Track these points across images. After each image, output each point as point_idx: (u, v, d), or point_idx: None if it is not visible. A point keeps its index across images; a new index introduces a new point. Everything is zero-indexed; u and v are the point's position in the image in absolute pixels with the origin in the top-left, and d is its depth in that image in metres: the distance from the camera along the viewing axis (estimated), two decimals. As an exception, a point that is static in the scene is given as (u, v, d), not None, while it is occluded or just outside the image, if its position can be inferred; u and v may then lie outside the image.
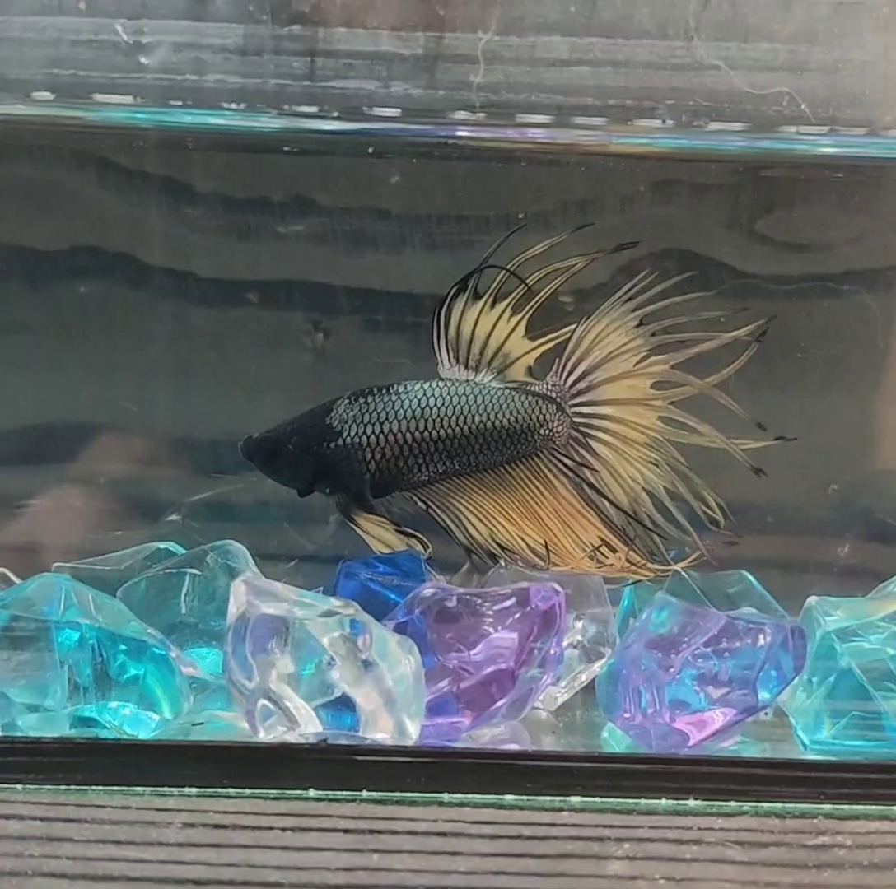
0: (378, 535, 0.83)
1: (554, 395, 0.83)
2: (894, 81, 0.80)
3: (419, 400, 0.82)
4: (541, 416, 0.82)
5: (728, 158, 0.85)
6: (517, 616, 0.74)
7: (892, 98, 0.80)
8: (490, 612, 0.74)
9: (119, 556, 0.83)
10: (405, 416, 0.82)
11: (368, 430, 0.83)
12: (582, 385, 0.83)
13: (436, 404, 0.82)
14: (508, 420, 0.82)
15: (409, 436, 0.82)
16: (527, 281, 0.81)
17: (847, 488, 0.92)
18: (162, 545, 0.84)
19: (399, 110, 0.80)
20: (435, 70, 0.78)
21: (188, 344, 0.91)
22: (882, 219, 0.89)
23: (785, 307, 0.90)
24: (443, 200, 0.89)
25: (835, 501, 0.92)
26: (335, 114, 0.80)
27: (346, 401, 0.83)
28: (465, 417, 0.82)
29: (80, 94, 0.80)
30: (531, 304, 0.81)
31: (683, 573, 0.82)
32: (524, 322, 0.82)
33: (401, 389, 0.83)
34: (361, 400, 0.83)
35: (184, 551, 0.83)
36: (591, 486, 0.82)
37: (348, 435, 0.83)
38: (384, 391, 0.83)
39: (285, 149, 0.86)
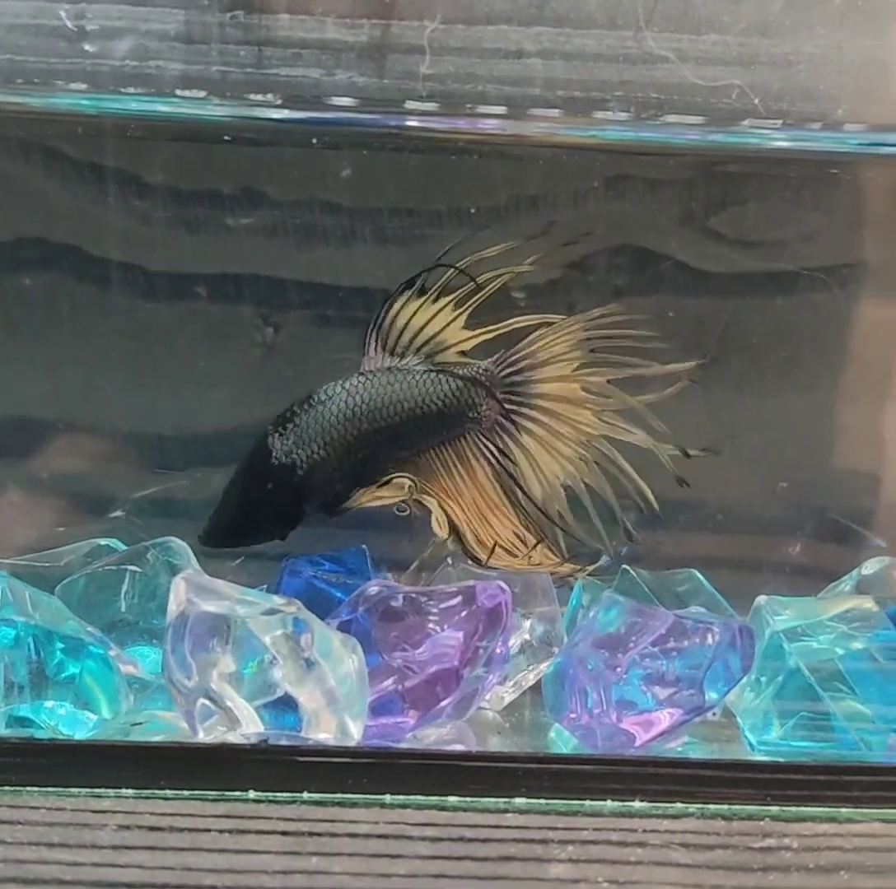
0: (368, 500, 0.82)
1: (483, 378, 0.82)
2: (848, 75, 0.80)
3: (345, 401, 0.81)
4: (468, 399, 0.82)
5: (679, 152, 0.84)
6: (463, 614, 0.73)
7: (845, 92, 0.80)
8: (435, 611, 0.73)
9: (59, 553, 0.81)
10: (339, 421, 0.81)
11: (314, 448, 0.82)
12: (517, 378, 0.82)
13: (363, 400, 0.81)
14: (436, 404, 0.82)
15: (350, 437, 0.81)
16: (475, 279, 0.81)
17: (799, 487, 0.92)
18: (103, 542, 0.83)
19: (346, 99, 0.79)
20: (381, 59, 0.77)
21: (135, 338, 0.90)
22: (836, 215, 0.89)
23: (738, 304, 0.90)
24: (393, 194, 0.88)
25: (786, 500, 0.92)
26: (279, 102, 0.79)
27: (276, 435, 0.82)
28: (394, 405, 0.81)
29: (20, 79, 0.78)
30: (474, 299, 0.81)
31: (631, 571, 0.81)
32: (465, 314, 0.81)
33: (323, 398, 0.82)
34: (290, 425, 0.82)
35: (125, 548, 0.82)
36: (508, 474, 0.82)
37: (300, 464, 0.82)
38: (307, 406, 0.82)
39: (226, 138, 0.84)
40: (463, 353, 0.82)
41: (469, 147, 0.85)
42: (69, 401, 0.91)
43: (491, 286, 0.81)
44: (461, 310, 0.81)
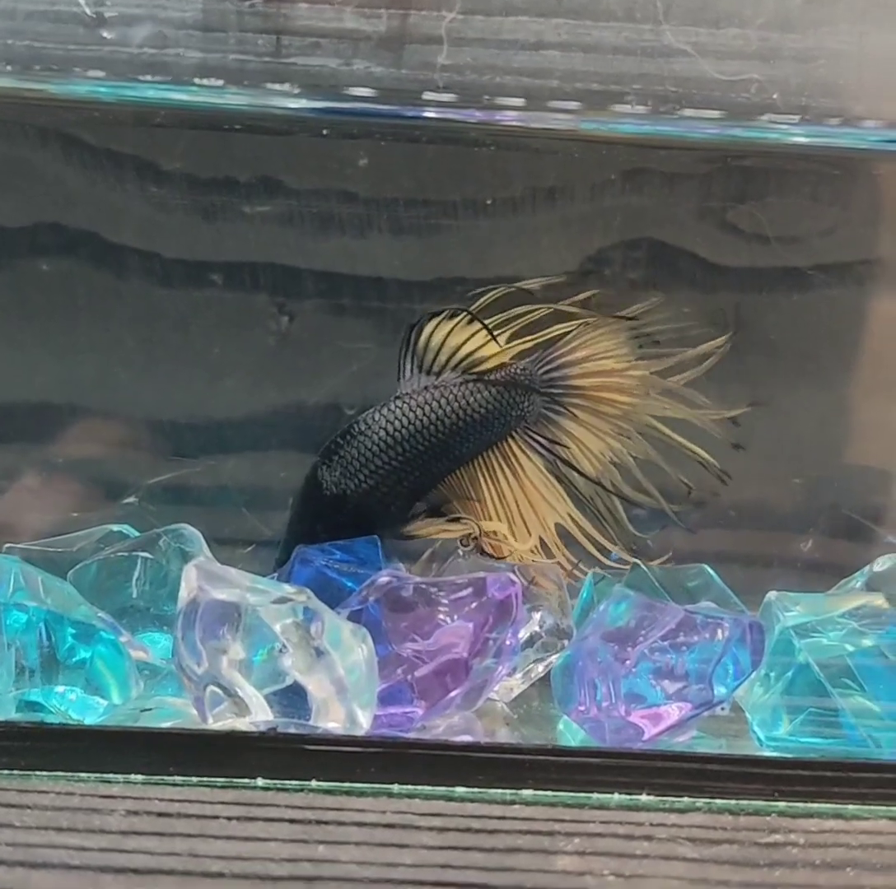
0: (435, 532, 0.83)
1: (523, 377, 0.82)
2: (868, 71, 0.79)
3: (385, 428, 0.82)
4: (511, 400, 0.82)
5: (696, 146, 0.84)
6: (473, 606, 0.73)
7: (865, 88, 0.79)
8: (445, 601, 0.73)
9: (71, 539, 0.82)
10: (382, 449, 0.82)
11: (361, 479, 0.82)
12: (556, 374, 0.83)
13: (403, 425, 0.82)
14: (479, 412, 0.82)
15: (395, 463, 0.82)
16: (490, 332, 0.82)
17: (812, 483, 0.92)
18: (115, 528, 0.83)
19: (363, 89, 0.79)
20: (399, 50, 0.77)
21: (151, 325, 0.90)
22: (854, 211, 0.88)
23: (754, 299, 0.90)
24: (410, 184, 0.87)
25: (799, 496, 0.92)
26: (296, 91, 0.78)
27: (324, 466, 0.83)
28: (437, 424, 0.82)
29: (40, 66, 0.78)
30: (514, 324, 0.83)
31: (643, 566, 0.81)
32: (505, 334, 0.83)
33: (363, 428, 0.82)
34: (335, 457, 0.82)
35: (138, 534, 0.82)
36: (562, 460, 0.82)
37: (350, 494, 0.82)
38: (349, 436, 0.82)
39: (237, 127, 0.84)
40: (503, 364, 0.83)
41: (486, 138, 0.85)
42: (84, 387, 0.91)
43: (529, 316, 0.83)
44: (500, 331, 0.82)
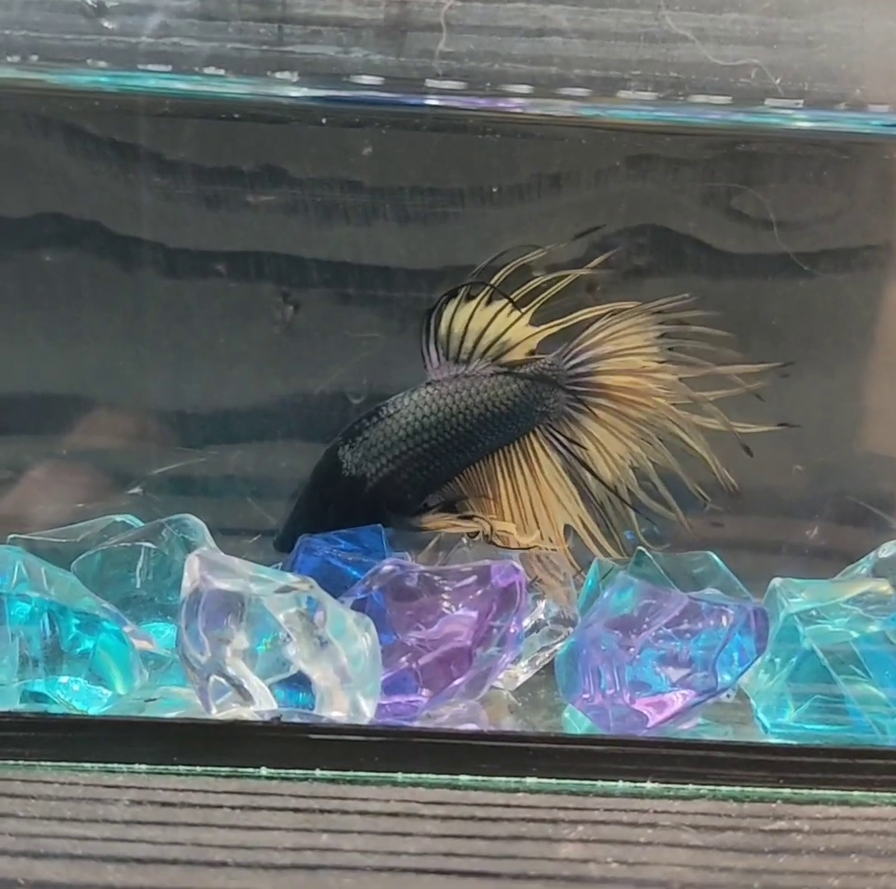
0: (445, 527, 0.83)
1: (550, 373, 0.82)
2: (869, 55, 0.79)
3: (413, 412, 0.81)
4: (536, 395, 0.82)
5: (698, 132, 0.84)
6: (477, 594, 0.73)
7: (866, 72, 0.79)
8: (449, 590, 0.73)
9: (76, 529, 0.82)
10: (407, 435, 0.81)
11: (383, 463, 0.82)
12: (582, 369, 0.82)
13: (431, 411, 0.81)
14: (505, 405, 0.82)
15: (420, 449, 0.82)
16: (509, 296, 0.81)
17: (819, 469, 0.91)
18: (119, 518, 0.83)
19: (364, 77, 0.79)
20: (399, 37, 0.77)
21: (155, 315, 0.90)
22: (858, 196, 0.88)
23: (759, 285, 0.89)
24: (415, 172, 0.87)
25: (806, 482, 0.91)
26: (296, 79, 0.78)
27: (346, 446, 0.82)
28: (463, 413, 0.81)
29: (40, 56, 0.78)
30: (539, 298, 0.82)
31: (647, 553, 0.81)
32: (529, 313, 0.82)
33: (391, 411, 0.82)
34: (359, 438, 0.82)
35: (141, 524, 0.82)
36: (579, 461, 0.82)
37: (370, 477, 0.82)
38: (375, 419, 0.82)
39: (236, 115, 0.84)
40: (531, 350, 0.82)
41: (489, 126, 0.84)
42: (89, 378, 0.91)
43: (555, 287, 0.82)
44: (526, 309, 0.81)
